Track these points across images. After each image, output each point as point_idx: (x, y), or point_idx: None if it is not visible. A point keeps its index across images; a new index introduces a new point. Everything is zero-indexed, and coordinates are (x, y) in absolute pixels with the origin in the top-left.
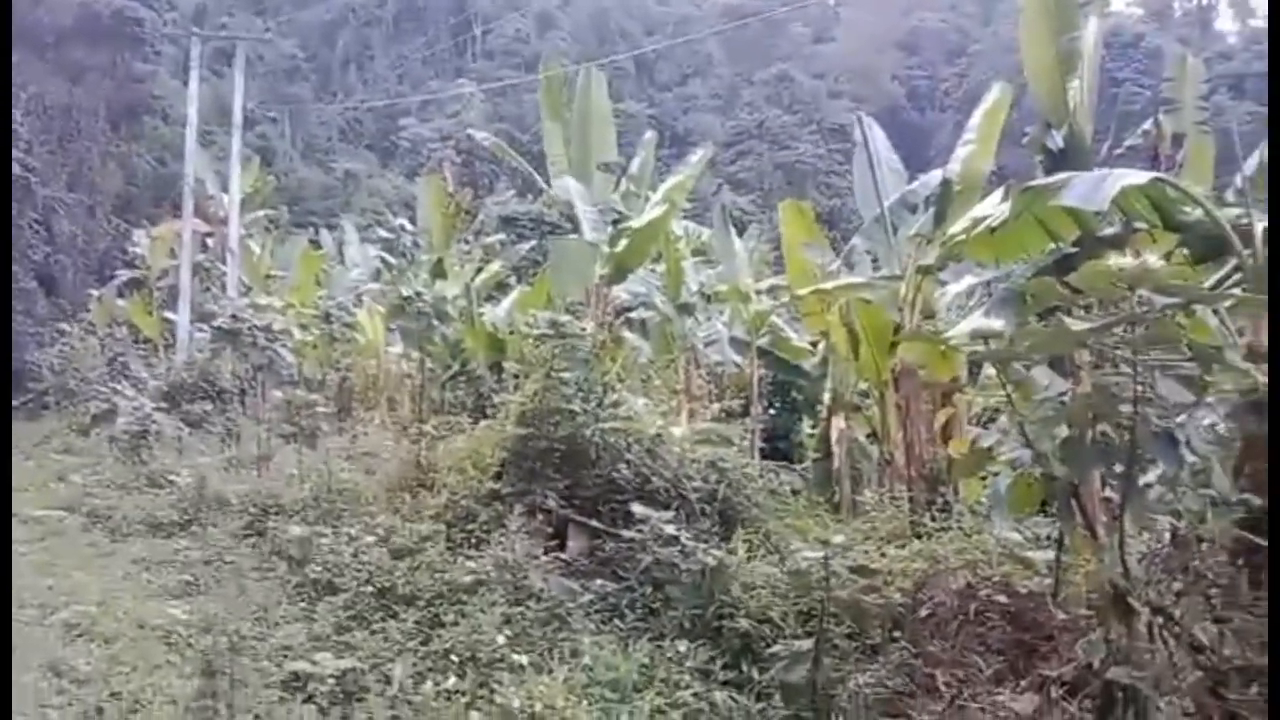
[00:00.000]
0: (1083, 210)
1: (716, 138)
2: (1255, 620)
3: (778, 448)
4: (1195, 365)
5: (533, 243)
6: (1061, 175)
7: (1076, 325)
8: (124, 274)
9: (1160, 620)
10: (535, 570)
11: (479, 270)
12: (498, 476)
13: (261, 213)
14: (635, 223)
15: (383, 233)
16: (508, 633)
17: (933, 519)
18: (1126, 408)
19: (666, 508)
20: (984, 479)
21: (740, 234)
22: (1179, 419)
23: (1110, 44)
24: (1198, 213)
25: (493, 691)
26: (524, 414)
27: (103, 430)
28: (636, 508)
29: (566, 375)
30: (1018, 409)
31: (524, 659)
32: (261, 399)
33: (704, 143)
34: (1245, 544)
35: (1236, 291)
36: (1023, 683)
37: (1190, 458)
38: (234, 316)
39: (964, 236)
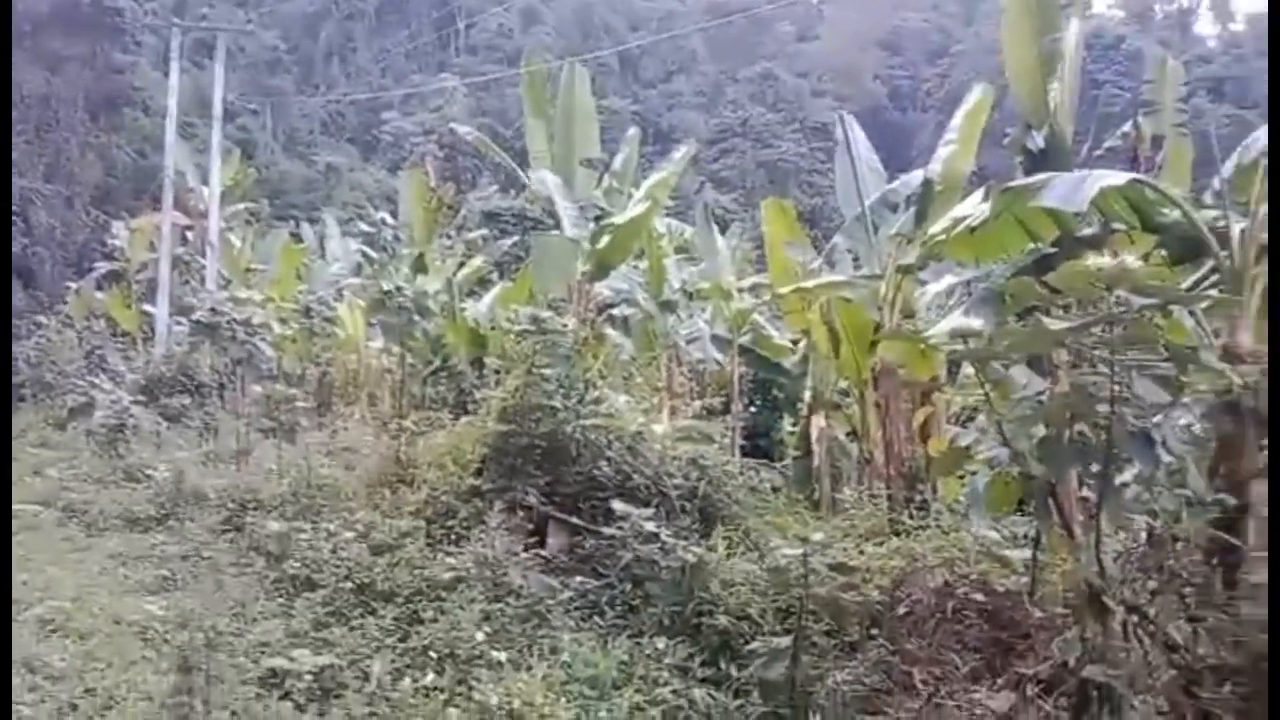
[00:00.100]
0: (1062, 211)
1: (700, 135)
2: (1228, 619)
3: (758, 445)
4: (1172, 366)
5: (515, 238)
6: (1041, 176)
7: (1055, 325)
8: (103, 266)
9: (1135, 619)
10: (515, 567)
11: (461, 265)
12: (478, 473)
13: (242, 206)
14: (618, 219)
15: (364, 227)
16: (487, 629)
17: (911, 517)
18: (1103, 407)
19: (647, 505)
20: (962, 477)
21: (723, 232)
22: (1155, 419)
23: (1091, 46)
24: (1176, 214)
25: (471, 688)
26: (505, 410)
27: (80, 424)
28: (617, 504)
29: (548, 371)
30: (996, 408)
31: (503, 656)
32: (240, 393)
33: (687, 140)
34: (1219, 543)
35: (1213, 293)
36: (999, 680)
37: (1166, 457)
38: (213, 310)
39: (944, 236)
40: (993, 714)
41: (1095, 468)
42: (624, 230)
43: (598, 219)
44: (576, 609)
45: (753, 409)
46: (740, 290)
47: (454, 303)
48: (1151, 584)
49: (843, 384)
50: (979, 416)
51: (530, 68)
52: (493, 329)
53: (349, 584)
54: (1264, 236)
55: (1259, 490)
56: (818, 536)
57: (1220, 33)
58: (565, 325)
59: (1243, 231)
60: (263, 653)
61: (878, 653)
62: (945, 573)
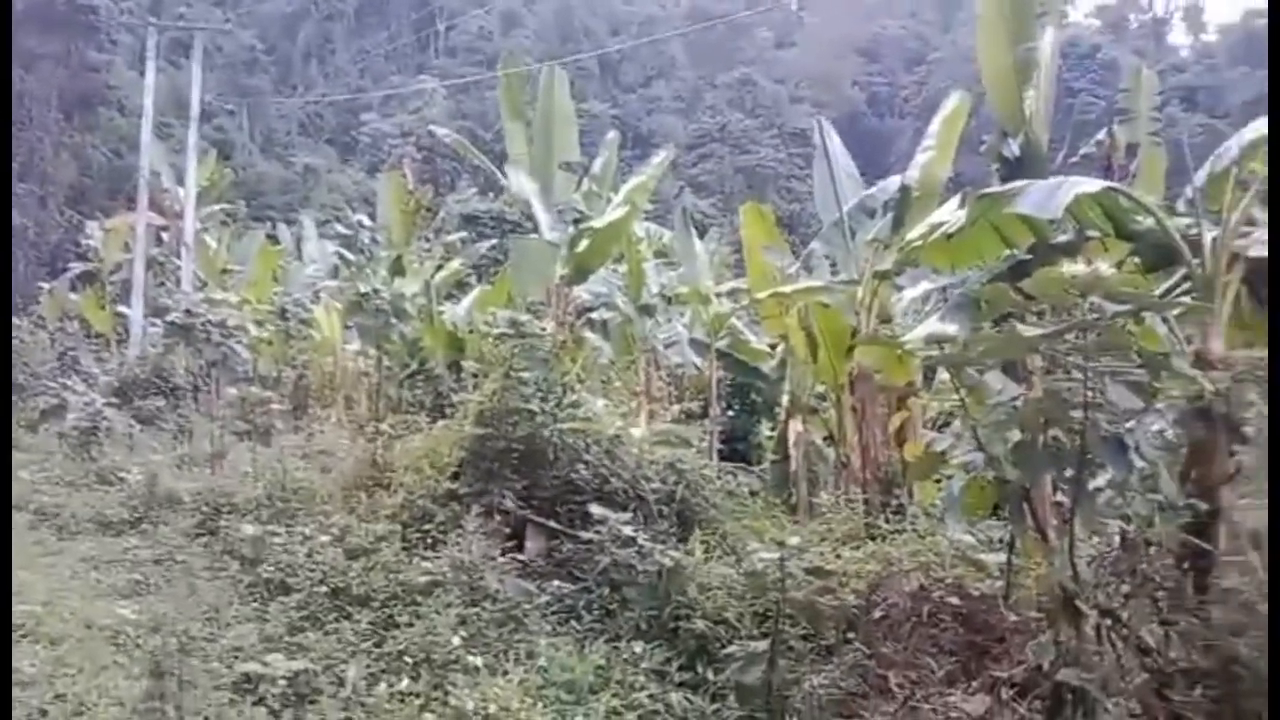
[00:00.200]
0: (1037, 218)
1: (679, 140)
2: (1200, 623)
3: (736, 449)
4: (1144, 372)
5: (493, 241)
6: (1017, 183)
7: (1029, 331)
8: (76, 267)
9: (1108, 623)
10: (492, 571)
11: (439, 268)
12: (455, 476)
13: (218, 206)
14: (597, 223)
15: (341, 229)
16: (463, 634)
17: (887, 521)
18: (1077, 413)
19: (624, 509)
20: (938, 482)
21: (701, 236)
22: (1128, 425)
23: (1067, 54)
24: (1149, 222)
25: (447, 693)
26: (482, 413)
27: (52, 426)
28: (594, 508)
29: (526, 375)
30: (971, 413)
31: (479, 660)
32: (215, 395)
33: (666, 145)
34: (1191, 548)
35: (1186, 300)
36: (974, 684)
37: (1139, 463)
38: (188, 311)
39: (921, 242)
40: (968, 717)
41: (1069, 473)
42: (603, 234)
43: (576, 222)
44: (553, 613)
45: (730, 413)
46: (718, 295)
47: (432, 305)
48: (1124, 588)
49: (820, 388)
50: (954, 422)
51: (509, 70)
52: (471, 332)
53: (324, 588)
54: (1235, 244)
55: (1230, 496)
56: (794, 540)
57: (1193, 43)
58: (543, 329)
59: (1214, 240)
60: (236, 658)
61: (854, 656)
62: (921, 577)
